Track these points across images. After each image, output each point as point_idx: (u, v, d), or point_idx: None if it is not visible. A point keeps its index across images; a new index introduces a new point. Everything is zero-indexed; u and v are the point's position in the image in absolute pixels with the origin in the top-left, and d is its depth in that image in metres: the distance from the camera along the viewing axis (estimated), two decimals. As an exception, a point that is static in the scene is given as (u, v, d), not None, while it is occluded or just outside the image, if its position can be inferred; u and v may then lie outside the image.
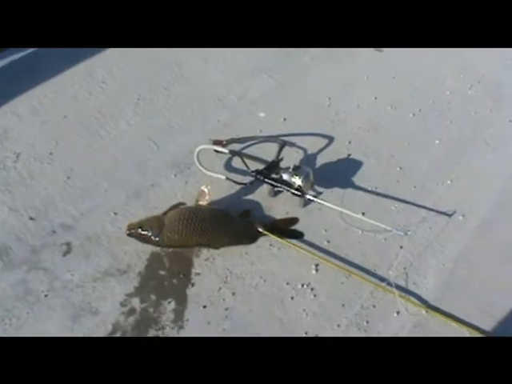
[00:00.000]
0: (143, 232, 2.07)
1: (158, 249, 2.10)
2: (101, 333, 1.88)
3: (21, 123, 2.53)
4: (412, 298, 1.99)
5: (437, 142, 2.55)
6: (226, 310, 1.96)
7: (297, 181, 2.18)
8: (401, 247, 2.13)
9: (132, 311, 1.95)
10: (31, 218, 2.18)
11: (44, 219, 2.19)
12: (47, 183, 2.31)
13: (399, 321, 1.94)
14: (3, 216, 2.19)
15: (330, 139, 2.53)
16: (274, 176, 2.24)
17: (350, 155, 2.47)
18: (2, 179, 2.31)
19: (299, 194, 2.16)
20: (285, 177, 2.20)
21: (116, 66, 2.85)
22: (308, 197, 2.17)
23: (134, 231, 2.08)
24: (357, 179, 2.37)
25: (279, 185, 2.20)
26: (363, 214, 2.21)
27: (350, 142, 2.52)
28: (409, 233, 2.11)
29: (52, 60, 2.82)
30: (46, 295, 1.98)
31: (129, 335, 1.88)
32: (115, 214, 2.21)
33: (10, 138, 2.47)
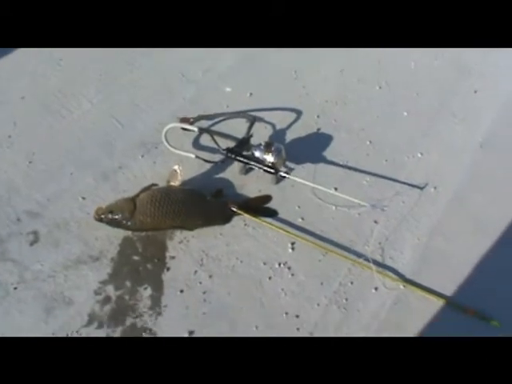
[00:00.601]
0: (114, 216, 2.00)
1: (130, 233, 2.05)
2: (77, 324, 1.83)
3: (-25, 105, 2.42)
4: (389, 273, 1.99)
5: (405, 113, 2.54)
6: (204, 293, 1.92)
7: (269, 158, 2.14)
8: (375, 222, 2.13)
9: (107, 299, 1.90)
10: (-7, 206, 2.10)
11: (7, 206, 2.10)
12: (8, 168, 2.21)
13: (378, 297, 1.94)
14: (-38, 204, 2.10)
15: (299, 113, 2.49)
16: (245, 153, 2.21)
17: (319, 129, 2.44)
18: (-43, 164, 2.20)
19: (272, 171, 2.13)
20: (257, 154, 2.16)
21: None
22: (281, 173, 2.14)
23: (104, 216, 2.01)
24: (328, 154, 2.34)
25: (251, 162, 2.16)
26: (336, 189, 2.19)
27: (318, 116, 2.48)
28: (385, 208, 2.11)
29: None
30: (15, 288, 1.91)
31: (105, 325, 1.84)
32: (83, 198, 2.14)
33: (-36, 120, 2.36)
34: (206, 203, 2.10)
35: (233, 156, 2.18)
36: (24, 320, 1.84)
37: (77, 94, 2.50)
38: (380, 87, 2.66)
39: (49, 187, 2.16)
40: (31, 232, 2.03)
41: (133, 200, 2.04)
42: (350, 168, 2.30)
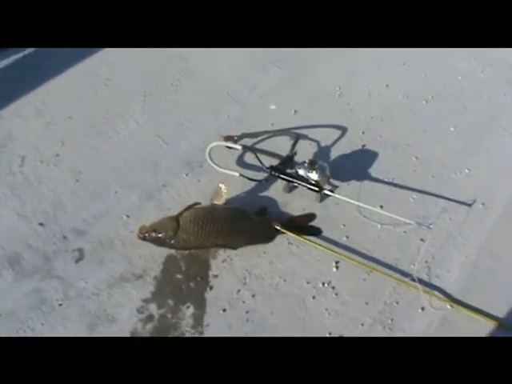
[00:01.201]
0: (157, 235, 2.01)
1: (173, 251, 2.05)
2: (119, 341, 1.84)
3: (25, 125, 2.47)
4: (436, 293, 1.94)
5: (452, 129, 2.48)
6: (247, 312, 1.91)
7: (313, 176, 2.12)
8: (422, 240, 2.08)
9: (150, 318, 1.90)
10: (41, 224, 2.13)
11: (54, 224, 2.13)
12: (55, 186, 2.25)
13: (424, 317, 1.89)
14: (12, 222, 2.14)
15: (343, 130, 2.46)
16: (289, 171, 2.19)
17: (364, 146, 2.41)
18: (8, 184, 2.25)
19: (316, 189, 2.11)
20: (301, 172, 2.15)
21: (120, 63, 2.77)
22: (325, 191, 2.12)
23: (148, 234, 2.02)
24: (373, 171, 2.31)
25: (295, 180, 2.14)
26: (381, 206, 2.15)
27: (363, 133, 2.46)
28: (431, 226, 2.06)
29: (55, 59, 2.74)
30: (60, 304, 1.93)
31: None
32: (127, 216, 2.16)
33: (15, 141, 2.40)
34: (249, 222, 2.09)
35: (276, 174, 2.17)
36: (67, 336, 1.85)
37: (123, 114, 2.53)
38: (426, 101, 2.61)
39: (94, 205, 2.19)
40: (76, 249, 2.06)
41: (176, 219, 2.04)
42: (395, 185, 2.26)
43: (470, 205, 2.19)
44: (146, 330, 1.86)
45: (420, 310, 1.91)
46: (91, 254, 2.05)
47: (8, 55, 2.76)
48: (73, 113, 2.53)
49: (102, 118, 2.51)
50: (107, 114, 2.53)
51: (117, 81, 2.69)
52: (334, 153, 2.38)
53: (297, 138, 2.32)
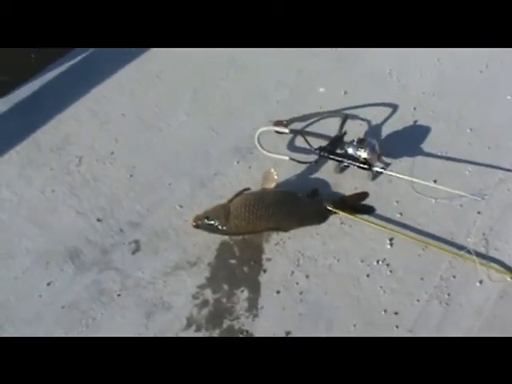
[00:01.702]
0: (210, 222, 2.03)
1: (226, 238, 2.07)
2: (175, 328, 1.87)
3: (81, 127, 2.53)
4: (495, 265, 1.88)
5: (509, 97, 2.40)
6: (301, 293, 1.90)
7: (362, 154, 2.09)
8: (478, 212, 2.02)
9: (205, 303, 1.92)
10: (98, 220, 2.19)
11: (111, 219, 2.18)
12: (111, 183, 2.30)
13: (483, 291, 1.84)
14: (71, 220, 2.20)
15: (394, 107, 2.42)
16: (338, 151, 2.17)
17: (416, 121, 2.35)
18: (67, 184, 2.31)
19: (366, 167, 2.08)
20: (350, 151, 2.13)
21: (170, 58, 2.79)
22: (376, 169, 2.09)
23: (201, 222, 2.05)
24: (425, 146, 2.26)
25: (345, 160, 2.12)
26: (435, 181, 2.10)
27: (415, 109, 2.40)
28: (486, 197, 1.99)
29: (106, 60, 2.80)
30: (118, 294, 1.98)
31: (203, 328, 1.86)
32: (181, 206, 2.19)
33: (72, 143, 2.47)
34: (300, 204, 2.08)
35: (326, 155, 2.15)
36: (126, 324, 1.90)
37: (173, 107, 2.56)
38: (481, 71, 2.53)
39: (148, 198, 2.23)
40: (133, 241, 2.11)
41: (227, 205, 2.06)
42: (449, 159, 2.20)
43: (529, 174, 2.11)
44: (201, 315, 1.89)
45: (478, 284, 1.85)
46: (147, 244, 2.09)
47: (61, 62, 2.83)
48: (125, 110, 2.58)
49: (152, 113, 2.55)
50: (157, 109, 2.57)
51: (167, 76, 2.72)
52: (386, 130, 2.34)
53: (345, 117, 2.29)
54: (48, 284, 2.02)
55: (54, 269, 2.06)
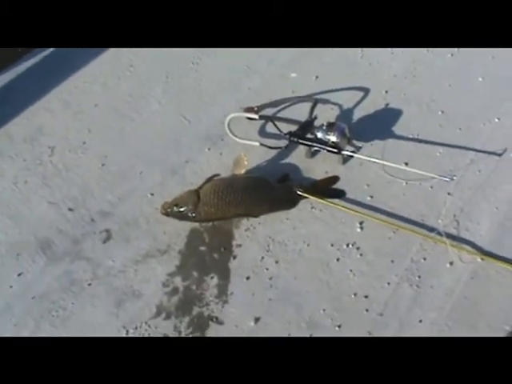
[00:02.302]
0: (179, 209, 2.02)
1: (196, 225, 2.06)
2: (145, 315, 1.86)
3: (54, 118, 2.52)
4: (465, 246, 1.88)
5: (480, 79, 2.39)
6: (270, 279, 1.90)
7: (331, 138, 2.08)
8: (449, 194, 2.01)
9: (175, 291, 1.92)
10: (70, 209, 2.17)
11: (82, 208, 2.17)
12: (83, 172, 2.29)
13: (453, 272, 1.84)
14: (43, 210, 2.19)
15: (366, 91, 2.41)
16: (308, 136, 2.16)
17: (387, 105, 2.34)
18: (39, 174, 2.30)
19: (335, 151, 2.07)
20: (319, 135, 2.11)
21: (141, 50, 2.76)
22: (345, 153, 2.07)
23: (170, 210, 2.04)
24: (397, 128, 2.25)
25: (314, 144, 2.11)
26: (406, 163, 2.09)
27: (386, 92, 2.39)
28: (455, 178, 1.99)
29: (78, 52, 2.75)
30: (89, 284, 1.97)
31: (173, 315, 1.85)
32: (152, 194, 2.18)
33: (45, 134, 2.45)
34: (270, 189, 2.07)
35: (295, 139, 2.14)
36: (97, 313, 1.90)
37: (145, 96, 2.55)
38: (452, 54, 2.51)
39: (120, 187, 2.22)
40: (104, 230, 2.10)
41: (196, 192, 2.05)
42: (420, 141, 2.19)
43: (500, 154, 2.10)
44: (171, 303, 1.88)
45: (448, 265, 1.85)
46: (118, 233, 2.09)
47: (34, 54, 2.81)
48: (98, 101, 2.57)
49: (125, 103, 2.54)
50: (130, 98, 2.55)
51: (139, 65, 2.70)
52: (357, 114, 2.33)
53: (315, 102, 2.27)
54: (19, 275, 2.02)
55: (26, 260, 2.05)
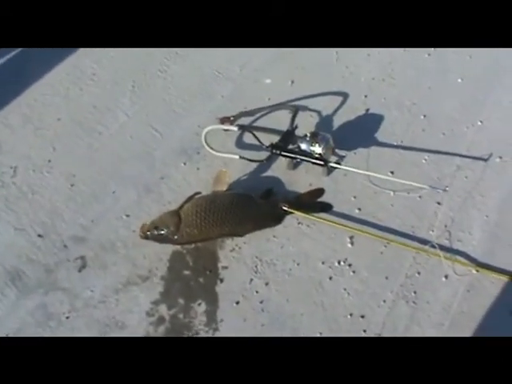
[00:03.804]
0: (159, 232, 1.91)
1: (179, 247, 1.95)
2: (131, 349, 1.75)
3: (13, 134, 2.36)
4: (459, 258, 1.83)
5: (459, 80, 2.34)
6: (261, 302, 1.81)
7: (316, 149, 2.00)
8: (438, 203, 1.96)
9: (161, 320, 1.81)
10: (39, 235, 2.04)
11: (53, 234, 2.04)
12: (50, 194, 2.15)
13: (449, 286, 1.79)
14: (10, 238, 2.04)
15: (345, 96, 2.33)
16: (291, 147, 2.07)
17: (368, 110, 2.27)
18: (2, 198, 2.15)
19: (321, 163, 1.99)
20: (303, 146, 2.02)
21: (105, 55, 2.63)
22: (331, 164, 1.99)
23: (150, 233, 1.92)
24: (380, 135, 2.18)
25: (298, 156, 2.02)
26: (392, 172, 2.04)
27: (366, 96, 2.32)
28: (447, 188, 1.92)
29: (37, 60, 2.61)
30: (67, 317, 1.84)
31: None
32: (127, 216, 2.05)
33: (5, 152, 2.30)
34: (254, 206, 1.98)
35: (278, 152, 2.05)
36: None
37: (112, 107, 2.41)
38: (429, 54, 2.45)
39: (92, 209, 2.09)
40: (78, 257, 1.97)
41: (177, 212, 1.94)
42: (405, 148, 2.13)
43: (486, 159, 2.06)
44: (158, 333, 1.77)
45: (444, 279, 1.79)
46: (93, 260, 1.96)
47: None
48: (60, 114, 2.42)
49: (90, 115, 2.40)
50: (95, 110, 2.41)
51: (102, 74, 2.56)
52: (338, 121, 2.25)
53: (295, 111, 2.18)
54: (-12, 311, 1.88)
55: (-5, 294, 1.92)
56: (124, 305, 1.85)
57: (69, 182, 2.18)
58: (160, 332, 1.78)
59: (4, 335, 1.82)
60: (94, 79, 2.54)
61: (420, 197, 1.96)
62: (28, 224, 2.07)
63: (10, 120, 2.42)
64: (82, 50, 2.65)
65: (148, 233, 1.93)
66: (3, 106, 2.46)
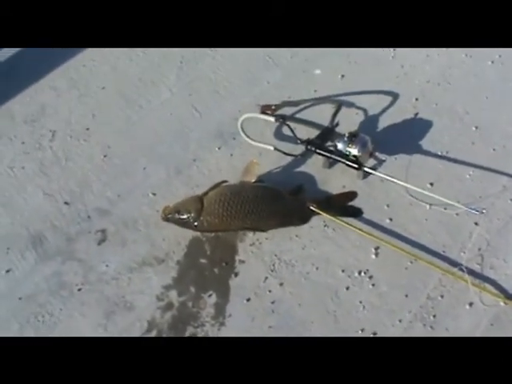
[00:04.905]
0: (180, 216, 1.87)
1: (199, 234, 1.91)
2: (135, 331, 1.73)
3: (58, 98, 2.37)
4: (488, 286, 1.71)
5: (520, 92, 2.19)
6: (273, 303, 1.75)
7: (352, 151, 1.91)
8: (476, 223, 1.83)
9: (169, 306, 1.78)
10: (66, 203, 2.04)
11: (79, 203, 2.04)
12: (83, 163, 2.15)
13: (472, 315, 1.67)
14: (38, 201, 2.06)
15: (395, 96, 2.21)
16: (328, 145, 1.99)
17: (417, 114, 2.15)
18: (37, 161, 2.17)
19: (356, 166, 1.89)
20: (339, 146, 1.93)
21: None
22: (366, 169, 1.90)
23: (171, 216, 1.89)
24: (425, 143, 2.06)
25: (333, 156, 1.94)
26: (432, 184, 1.92)
27: (417, 99, 2.19)
28: (484, 211, 1.80)
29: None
30: (79, 289, 1.84)
31: (164, 334, 1.72)
32: (154, 194, 2.03)
33: (47, 115, 2.31)
34: (281, 201, 1.91)
35: (313, 149, 1.97)
36: (84, 323, 1.77)
37: (157, 81, 2.38)
38: (492, 62, 2.30)
39: (121, 183, 2.07)
40: (100, 230, 1.96)
41: (201, 199, 1.89)
42: (450, 159, 2.00)
43: (536, 182, 1.92)
44: (164, 320, 1.74)
45: (468, 307, 1.68)
46: (114, 235, 1.94)
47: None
48: (106, 83, 2.40)
49: (134, 88, 2.37)
50: (140, 83, 2.38)
51: (153, 48, 2.51)
52: (383, 122, 2.14)
53: (338, 107, 2.09)
54: (7, 271, 1.90)
55: (15, 255, 1.93)
56: (136, 285, 1.83)
57: (103, 152, 2.17)
58: (166, 318, 1.74)
59: (17, 298, 1.83)
60: (145, 51, 2.51)
61: (457, 214, 1.84)
62: (57, 190, 2.08)
63: (56, 83, 2.42)
64: (137, 21, 2.61)
65: (169, 216, 1.89)
66: (52, 68, 2.47)
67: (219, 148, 2.13)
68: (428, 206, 1.89)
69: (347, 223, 1.84)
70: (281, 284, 1.78)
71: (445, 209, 1.86)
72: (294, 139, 2.04)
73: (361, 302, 1.72)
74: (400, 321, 1.67)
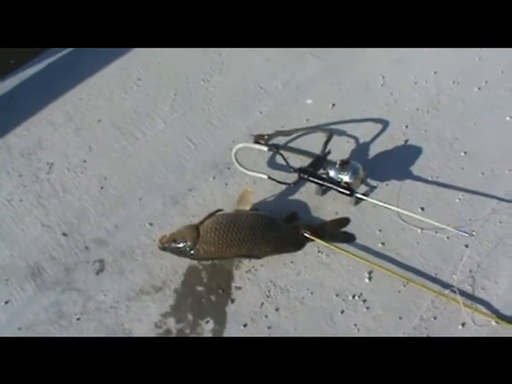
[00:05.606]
0: (177, 245, 1.90)
1: (196, 262, 1.94)
2: (134, 359, 1.75)
3: (55, 131, 2.40)
4: (480, 307, 1.74)
5: (507, 118, 2.23)
6: (269, 328, 1.77)
7: (344, 177, 1.95)
8: (466, 246, 1.87)
9: (167, 333, 1.80)
10: (64, 234, 2.06)
11: (77, 234, 2.06)
12: (80, 195, 2.17)
13: (465, 335, 1.69)
14: (36, 233, 2.08)
15: (385, 124, 2.27)
16: (320, 172, 2.03)
17: (407, 141, 2.20)
18: (35, 193, 2.19)
19: (347, 192, 1.93)
20: (331, 173, 1.98)
21: (152, 60, 2.65)
22: (357, 195, 1.94)
23: (168, 245, 1.91)
24: (415, 169, 2.11)
25: (325, 183, 1.98)
26: (423, 208, 1.97)
27: (407, 126, 2.25)
28: (474, 234, 1.84)
29: (86, 61, 2.66)
30: (78, 318, 1.85)
31: (163, 361, 1.74)
32: (150, 224, 2.06)
33: (44, 148, 2.34)
34: (276, 229, 1.94)
35: (305, 176, 2.01)
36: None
37: (151, 113, 2.42)
38: (479, 88, 2.36)
39: (118, 214, 2.10)
40: (98, 260, 1.98)
41: (197, 227, 1.92)
42: (440, 184, 2.05)
43: (524, 205, 1.96)
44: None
45: (460, 327, 1.71)
46: (112, 265, 1.97)
47: (38, 61, 2.70)
48: (102, 115, 2.44)
49: (129, 120, 2.41)
50: (135, 115, 2.42)
51: (148, 79, 2.57)
52: (374, 150, 2.19)
53: (329, 136, 2.13)
54: (6, 302, 1.91)
55: (14, 286, 1.94)
56: (134, 313, 1.85)
57: (100, 184, 2.20)
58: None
59: (16, 328, 1.84)
60: (139, 84, 2.56)
61: (448, 237, 1.89)
62: (55, 221, 2.10)
63: (53, 117, 2.46)
64: (131, 53, 2.67)
65: (166, 245, 1.92)
66: (50, 102, 2.51)
67: (214, 178, 2.17)
68: (419, 230, 1.92)
69: (341, 248, 1.87)
70: (277, 309, 1.81)
71: (436, 232, 1.90)
72: (287, 168, 2.08)
73: (355, 325, 1.75)
74: (394, 343, 1.70)
